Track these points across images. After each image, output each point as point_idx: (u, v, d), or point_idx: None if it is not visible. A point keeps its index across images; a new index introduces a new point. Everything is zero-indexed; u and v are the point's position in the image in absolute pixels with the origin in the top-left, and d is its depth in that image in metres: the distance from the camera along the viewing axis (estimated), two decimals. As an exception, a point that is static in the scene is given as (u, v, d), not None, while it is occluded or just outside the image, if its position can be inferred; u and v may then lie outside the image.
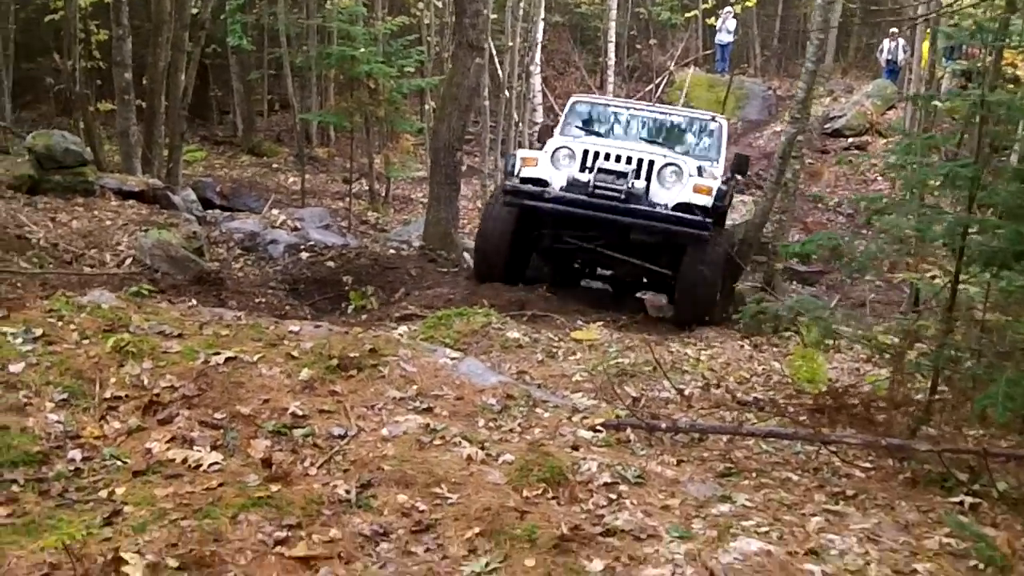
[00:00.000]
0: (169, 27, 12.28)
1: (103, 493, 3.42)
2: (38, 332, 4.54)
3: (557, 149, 8.93)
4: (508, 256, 9.04)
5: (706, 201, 8.41)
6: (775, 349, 6.81)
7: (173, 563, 2.91)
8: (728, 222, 9.74)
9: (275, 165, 21.37)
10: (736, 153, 10.33)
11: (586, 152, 8.80)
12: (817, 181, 20.35)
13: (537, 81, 23.39)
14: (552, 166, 8.83)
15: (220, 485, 3.50)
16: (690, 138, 10.14)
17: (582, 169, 8.72)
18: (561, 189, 8.69)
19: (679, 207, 8.42)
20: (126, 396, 4.15)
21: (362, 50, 13.69)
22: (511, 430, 4.32)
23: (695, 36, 28.72)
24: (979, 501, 3.87)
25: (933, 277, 5.92)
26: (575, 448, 4.08)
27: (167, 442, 3.82)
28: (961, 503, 3.88)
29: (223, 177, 18.63)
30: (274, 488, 3.48)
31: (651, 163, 8.64)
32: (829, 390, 4.74)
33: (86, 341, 4.56)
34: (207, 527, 3.16)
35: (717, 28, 25.99)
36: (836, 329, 4.93)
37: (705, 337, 7.42)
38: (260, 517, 3.27)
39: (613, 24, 25.37)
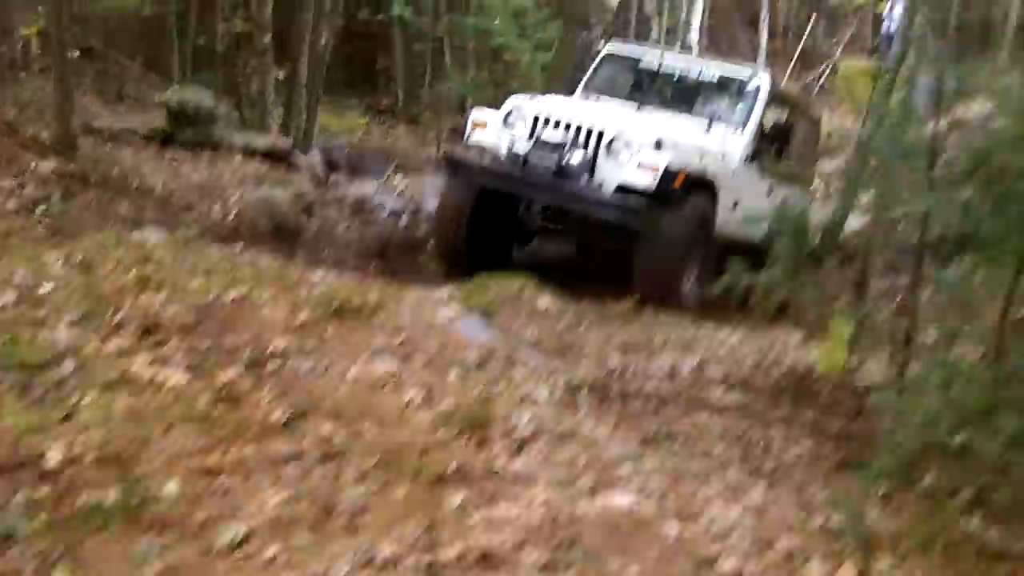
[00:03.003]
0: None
1: (73, 399, 3.90)
2: (78, 259, 5.11)
3: (510, 112, 8.17)
4: (467, 238, 8.29)
5: (648, 182, 7.45)
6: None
7: (90, 457, 3.35)
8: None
9: (430, 135, 22.06)
10: (775, 123, 9.24)
11: (535, 119, 8.01)
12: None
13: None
14: (505, 130, 8.11)
15: (173, 402, 3.93)
16: (719, 99, 9.15)
17: (530, 137, 7.95)
18: (498, 160, 8.06)
19: (620, 188, 7.64)
20: (133, 321, 4.64)
21: (496, 22, 14.05)
22: (477, 383, 4.59)
23: (866, 24, 27.77)
24: (890, 492, 3.90)
25: None
26: (520, 402, 4.33)
27: (149, 363, 4.29)
28: (876, 491, 3.91)
29: (374, 146, 19.41)
30: (218, 409, 3.90)
31: (600, 134, 7.80)
32: (790, 372, 4.81)
33: (118, 272, 5.10)
34: (139, 434, 3.60)
35: (884, 16, 25.09)
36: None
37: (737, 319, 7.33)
38: (191, 430, 3.68)
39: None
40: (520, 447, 3.78)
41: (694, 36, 23.02)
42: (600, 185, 7.79)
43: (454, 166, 8.51)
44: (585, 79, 9.62)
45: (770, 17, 25.45)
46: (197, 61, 15.07)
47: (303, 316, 4.93)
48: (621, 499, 3.40)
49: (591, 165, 7.81)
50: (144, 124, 10.68)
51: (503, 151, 8.10)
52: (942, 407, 3.39)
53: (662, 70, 9.43)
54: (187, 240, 5.86)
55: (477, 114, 8.61)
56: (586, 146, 7.82)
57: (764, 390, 5.18)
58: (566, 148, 7.78)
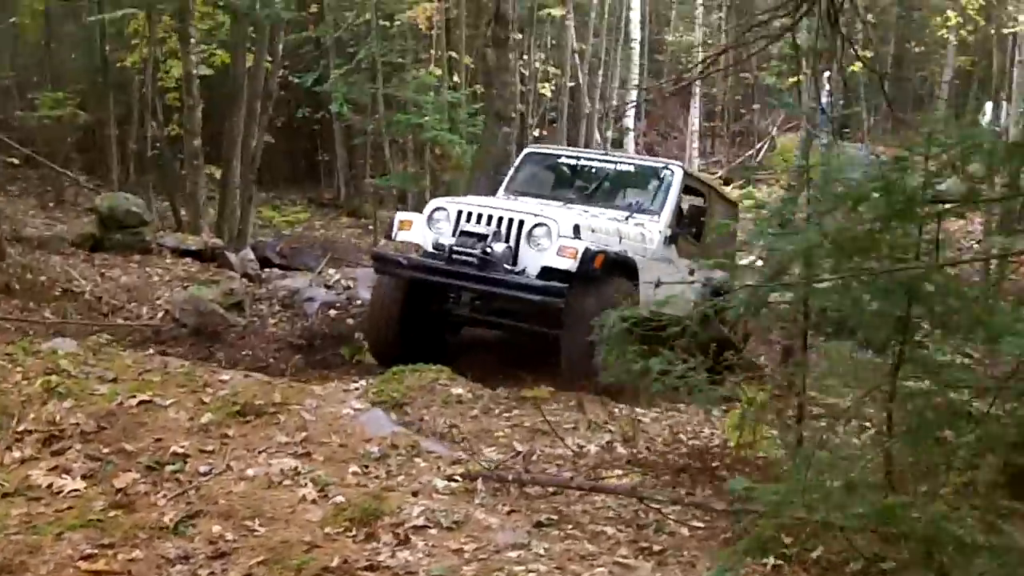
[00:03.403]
0: (243, 97, 13.26)
1: (-30, 510, 3.96)
2: (-16, 373, 5.18)
3: (434, 210, 8.50)
4: (400, 330, 8.50)
5: (569, 265, 7.73)
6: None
7: (-22, 569, 3.42)
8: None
9: (371, 227, 22.32)
10: (691, 204, 9.68)
11: (459, 213, 8.33)
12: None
13: (630, 140, 23.88)
14: (428, 228, 8.38)
15: (68, 508, 4.01)
16: (636, 190, 9.60)
17: (454, 231, 8.24)
18: (424, 254, 8.34)
19: (544, 272, 7.89)
20: (36, 430, 4.70)
21: (427, 118, 14.41)
22: (377, 476, 4.68)
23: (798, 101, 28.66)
24: (781, 564, 4.02)
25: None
26: (415, 494, 4.42)
27: (49, 471, 4.36)
28: (765, 564, 4.03)
29: (318, 237, 19.60)
30: (112, 513, 3.97)
31: (521, 223, 8.10)
32: (699, 449, 4.94)
33: (25, 382, 5.16)
34: (30, 541, 3.67)
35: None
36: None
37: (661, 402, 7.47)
38: (82, 536, 3.75)
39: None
40: (407, 539, 3.87)
41: (629, 121, 23.66)
42: (523, 271, 8.05)
43: (382, 262, 8.74)
44: (507, 180, 10.01)
45: (703, 99, 26.21)
46: (136, 166, 15.32)
47: (206, 418, 5.00)
48: (502, 585, 3.49)
49: (514, 254, 8.10)
50: (75, 230, 10.77)
51: (429, 247, 8.36)
52: (796, 488, 3.52)
53: (580, 166, 9.93)
54: (98, 347, 5.93)
55: (402, 215, 8.98)
56: (508, 237, 8.12)
57: (666, 468, 5.31)
58: (489, 239, 8.05)
